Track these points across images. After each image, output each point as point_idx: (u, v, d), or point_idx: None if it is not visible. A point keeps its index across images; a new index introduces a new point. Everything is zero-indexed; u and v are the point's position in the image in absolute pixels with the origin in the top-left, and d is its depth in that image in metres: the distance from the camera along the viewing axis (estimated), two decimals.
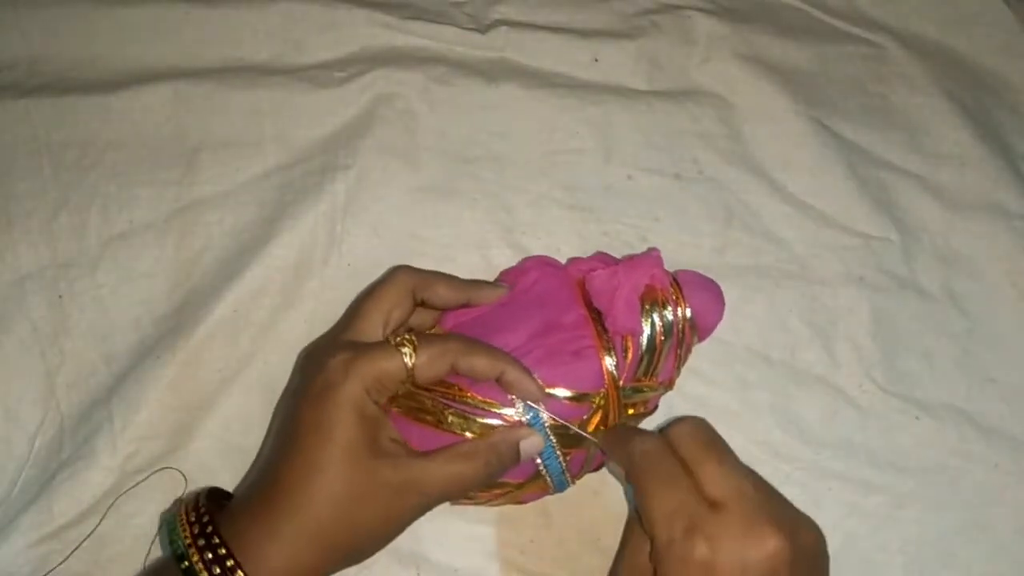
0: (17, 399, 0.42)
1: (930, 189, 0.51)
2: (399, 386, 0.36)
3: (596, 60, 0.52)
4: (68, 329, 0.43)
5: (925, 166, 0.52)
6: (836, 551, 0.44)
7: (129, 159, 0.47)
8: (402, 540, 0.42)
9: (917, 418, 0.46)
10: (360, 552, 0.36)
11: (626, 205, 0.49)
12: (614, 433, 0.38)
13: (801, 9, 0.57)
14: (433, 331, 0.41)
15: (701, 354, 0.46)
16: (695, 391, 0.46)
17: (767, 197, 0.50)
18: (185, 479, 0.42)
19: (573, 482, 0.40)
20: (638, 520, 0.35)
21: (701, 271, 0.45)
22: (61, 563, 0.40)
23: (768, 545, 0.31)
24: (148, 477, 0.41)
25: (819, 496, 0.45)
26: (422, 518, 0.42)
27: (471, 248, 0.47)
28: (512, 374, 0.36)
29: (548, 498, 0.43)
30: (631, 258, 0.42)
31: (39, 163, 0.46)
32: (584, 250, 0.48)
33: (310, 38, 0.51)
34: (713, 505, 0.32)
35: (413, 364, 0.35)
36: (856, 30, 0.56)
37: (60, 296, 0.44)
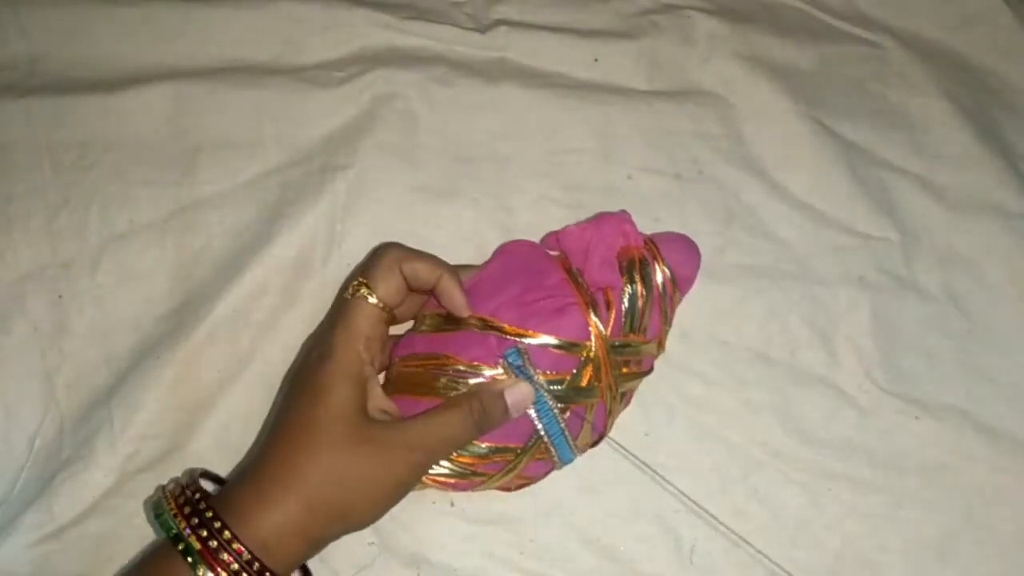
0: (17, 399, 0.42)
1: (930, 189, 0.51)
2: (384, 326, 0.37)
3: (596, 60, 0.52)
4: (68, 329, 0.43)
5: (925, 166, 0.52)
6: (836, 551, 0.44)
7: (129, 159, 0.47)
8: (402, 540, 0.42)
9: (917, 418, 0.46)
10: (358, 516, 0.36)
11: (626, 205, 0.49)
12: None
13: (801, 9, 0.57)
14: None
15: (701, 354, 0.46)
16: (695, 391, 0.46)
17: (767, 197, 0.50)
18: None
19: (576, 451, 0.40)
20: None
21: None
22: None
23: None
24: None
25: (819, 496, 0.45)
26: (422, 518, 0.42)
27: (471, 248, 0.47)
28: (445, 282, 0.37)
29: (548, 498, 0.43)
30: (599, 215, 0.43)
31: (39, 163, 0.46)
32: None
33: (310, 38, 0.51)
34: None
35: (379, 298, 0.36)
36: (856, 30, 0.56)
37: (60, 296, 0.44)
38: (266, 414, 0.43)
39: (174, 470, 0.42)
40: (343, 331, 0.36)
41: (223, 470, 0.42)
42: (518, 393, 0.37)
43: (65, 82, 0.48)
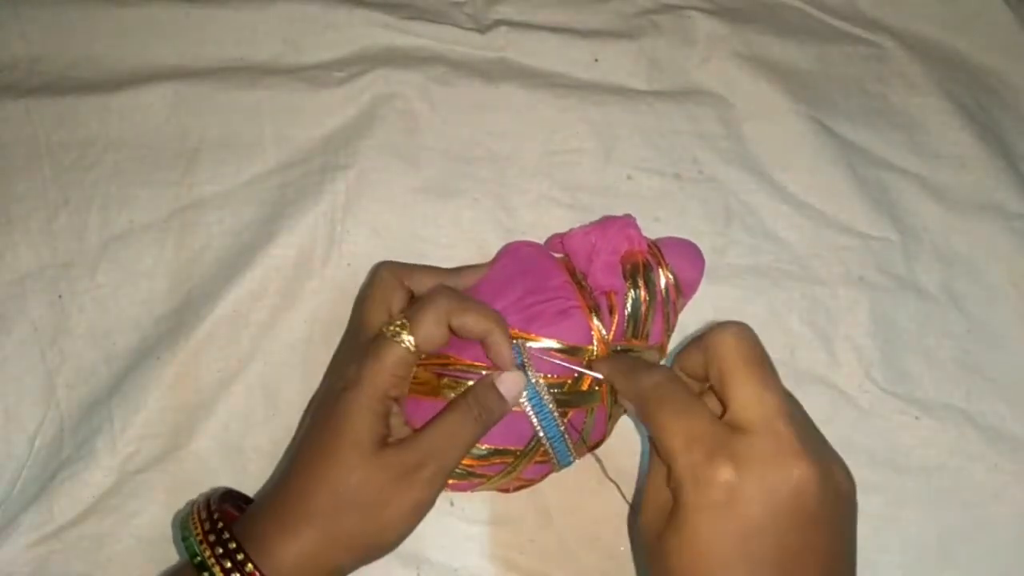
0: (17, 399, 0.42)
1: (930, 189, 0.51)
2: (413, 367, 0.37)
3: (596, 60, 0.52)
4: (68, 329, 0.43)
5: (925, 166, 0.52)
6: None
7: (129, 159, 0.47)
8: None
9: (917, 418, 0.46)
10: (378, 543, 0.35)
11: (626, 205, 0.49)
12: (618, 365, 0.37)
13: (801, 9, 0.57)
14: None
15: None
16: None
17: (767, 197, 0.50)
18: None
19: (575, 454, 0.40)
20: (657, 455, 0.34)
21: None
22: None
23: (795, 472, 0.30)
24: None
25: None
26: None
27: (471, 248, 0.47)
28: (495, 337, 0.36)
29: (548, 498, 0.43)
30: (604, 219, 0.43)
31: (39, 163, 0.46)
32: None
33: (310, 38, 0.51)
34: (738, 428, 0.31)
35: (415, 343, 0.36)
36: (856, 30, 0.56)
37: (60, 296, 0.44)
38: (266, 414, 0.43)
39: (174, 470, 0.42)
40: (373, 364, 0.35)
41: (223, 470, 0.42)
42: (508, 380, 0.37)
43: (65, 82, 0.48)
